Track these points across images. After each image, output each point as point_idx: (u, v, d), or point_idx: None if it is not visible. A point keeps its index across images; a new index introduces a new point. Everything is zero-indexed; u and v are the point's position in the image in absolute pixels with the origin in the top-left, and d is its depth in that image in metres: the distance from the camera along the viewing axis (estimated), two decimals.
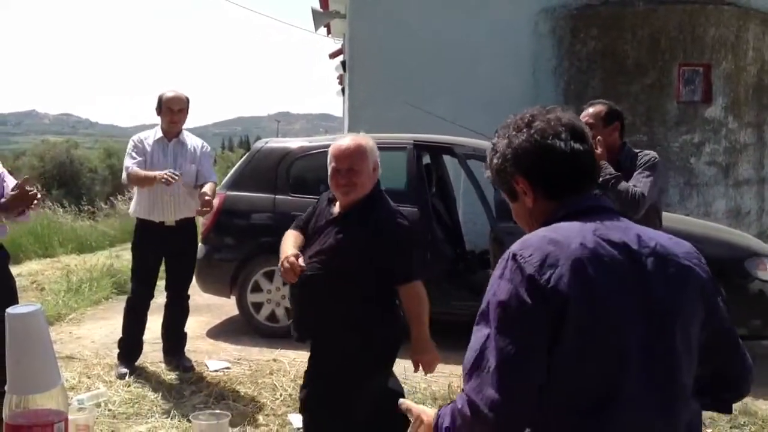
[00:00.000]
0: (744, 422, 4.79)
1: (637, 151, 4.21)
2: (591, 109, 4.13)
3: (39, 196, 3.81)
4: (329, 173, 3.13)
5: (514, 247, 1.58)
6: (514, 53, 9.46)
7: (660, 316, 1.54)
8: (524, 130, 1.69)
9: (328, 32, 16.86)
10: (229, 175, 7.15)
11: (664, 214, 7.22)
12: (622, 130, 4.19)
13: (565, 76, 9.35)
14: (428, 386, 5.06)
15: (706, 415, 4.83)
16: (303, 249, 3.17)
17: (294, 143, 7.04)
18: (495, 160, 1.75)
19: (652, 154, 4.20)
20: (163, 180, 4.91)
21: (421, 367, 3.19)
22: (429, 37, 9.61)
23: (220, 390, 5.12)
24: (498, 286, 1.55)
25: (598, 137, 3.87)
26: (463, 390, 1.57)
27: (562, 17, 9.42)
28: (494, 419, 1.49)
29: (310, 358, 3.35)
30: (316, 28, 14.29)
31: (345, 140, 3.16)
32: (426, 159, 7.57)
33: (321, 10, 13.66)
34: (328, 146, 6.63)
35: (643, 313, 1.53)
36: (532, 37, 9.58)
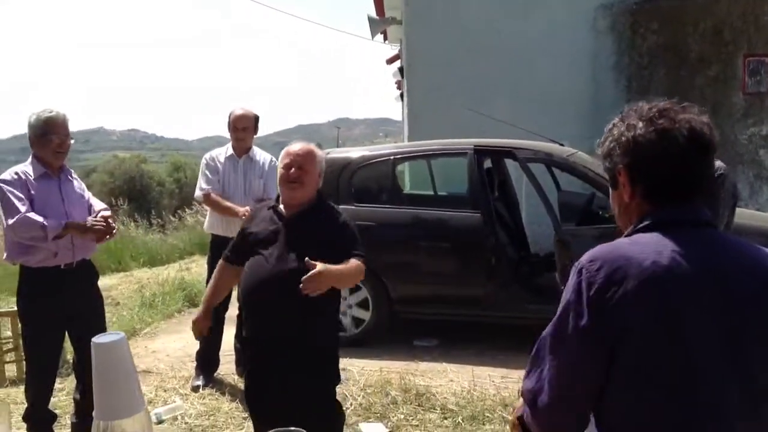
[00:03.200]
0: None
1: None
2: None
3: (115, 230, 4.25)
4: (278, 174, 3.38)
5: (585, 257, 1.55)
6: (572, 51, 9.35)
7: (739, 338, 1.47)
8: (646, 122, 1.60)
9: (385, 38, 16.93)
10: None
11: (745, 210, 7.07)
12: None
13: (626, 73, 9.21)
14: (497, 392, 5.06)
15: None
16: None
17: (355, 153, 7.12)
18: (607, 143, 1.68)
19: (719, 165, 4.03)
20: (244, 217, 5.05)
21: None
22: (486, 40, 9.57)
23: None
24: (564, 295, 1.56)
25: None
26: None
27: (620, 13, 9.28)
28: (541, 422, 1.60)
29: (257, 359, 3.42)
30: (373, 36, 14.34)
31: (297, 145, 3.42)
32: (488, 163, 7.56)
33: (377, 17, 13.73)
34: (388, 155, 6.83)
35: (719, 333, 1.47)
36: (590, 34, 9.45)
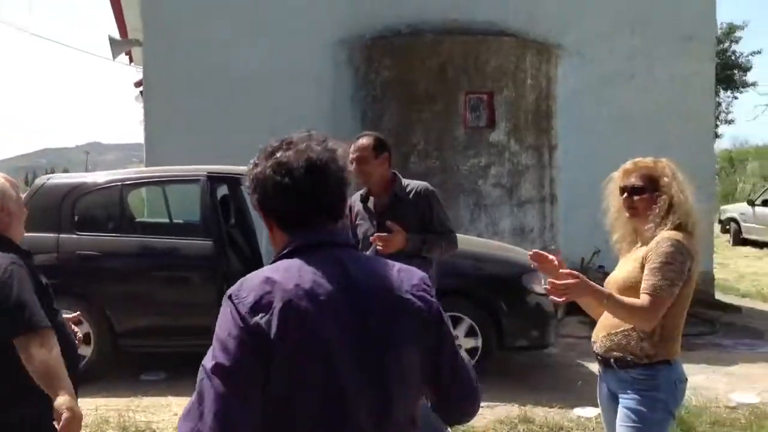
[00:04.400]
0: (523, 430, 5.12)
1: (408, 182, 4.31)
2: (360, 141, 4.16)
3: None
4: None
5: (234, 287, 1.61)
6: (315, 82, 9.63)
7: (373, 349, 1.60)
8: (266, 157, 1.69)
9: (130, 60, 16.39)
10: None
11: (460, 236, 7.65)
12: (390, 160, 4.30)
13: (362, 105, 9.64)
14: None
15: (488, 424, 5.15)
16: None
17: (78, 179, 6.79)
18: (247, 184, 1.76)
19: (425, 185, 4.32)
20: None
21: None
22: (229, 66, 9.56)
23: None
24: (217, 324, 1.59)
25: (388, 222, 3.97)
26: None
27: (357, 47, 9.71)
28: None
29: None
30: (114, 57, 13.85)
31: None
32: (224, 190, 7.54)
33: (119, 38, 13.26)
34: (115, 181, 6.57)
35: (357, 347, 1.58)
36: (331, 67, 9.80)
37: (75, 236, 6.19)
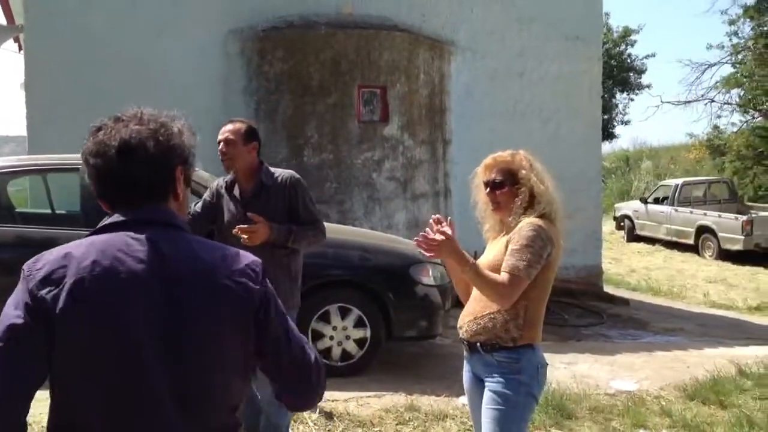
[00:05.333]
0: (409, 418, 5.13)
1: (274, 170, 4.20)
2: (230, 126, 4.05)
3: None
4: None
5: (31, 260, 1.56)
6: (205, 73, 9.43)
7: (180, 334, 1.54)
8: (90, 137, 1.67)
9: (20, 48, 15.65)
10: None
11: (346, 227, 7.65)
12: (260, 149, 4.17)
13: (255, 97, 9.49)
14: None
15: (375, 413, 5.15)
16: None
17: None
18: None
19: (290, 173, 4.14)
20: None
21: None
22: (116, 54, 9.23)
23: None
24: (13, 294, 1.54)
25: (249, 214, 3.87)
26: None
27: (249, 38, 9.55)
28: None
29: None
30: (0, 44, 13.15)
31: None
32: None
33: (5, 24, 12.63)
34: None
35: (160, 332, 1.53)
36: (222, 57, 9.61)
37: None
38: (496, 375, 3.00)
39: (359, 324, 6.05)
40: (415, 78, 9.55)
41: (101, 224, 1.64)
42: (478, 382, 3.12)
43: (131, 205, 1.64)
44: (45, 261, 1.55)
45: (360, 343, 6.02)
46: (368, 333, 6.03)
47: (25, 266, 1.55)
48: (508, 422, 2.95)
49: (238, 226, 3.80)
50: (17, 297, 1.52)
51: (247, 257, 1.69)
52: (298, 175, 4.17)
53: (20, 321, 1.48)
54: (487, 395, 3.02)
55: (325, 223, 4.30)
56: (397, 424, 5.02)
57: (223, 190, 4.18)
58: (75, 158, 6.59)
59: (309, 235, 4.10)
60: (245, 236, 3.74)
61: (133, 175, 1.63)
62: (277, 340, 1.69)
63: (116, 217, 1.64)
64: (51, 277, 1.51)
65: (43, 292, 1.49)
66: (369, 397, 5.41)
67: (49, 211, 7.86)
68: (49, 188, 7.64)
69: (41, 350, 1.48)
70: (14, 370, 1.47)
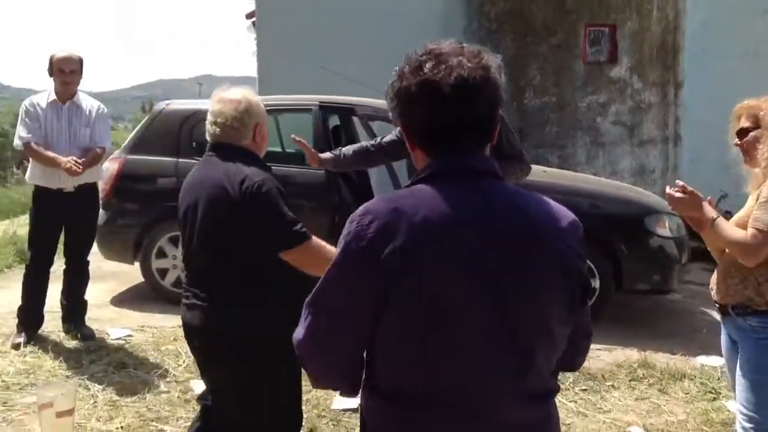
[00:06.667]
0: (643, 374, 4.93)
1: None
2: None
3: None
4: None
5: (359, 210, 1.51)
6: (424, 14, 9.38)
7: (508, 297, 1.46)
8: (412, 71, 1.51)
9: None
10: (128, 138, 6.92)
11: (571, 173, 7.38)
12: None
13: (476, 37, 9.28)
14: None
15: (606, 367, 4.98)
16: None
17: (197, 105, 6.85)
18: (388, 99, 1.60)
19: None
20: (67, 168, 4.89)
21: None
22: None
23: (121, 358, 5.02)
24: (339, 246, 1.51)
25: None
26: None
27: None
28: (300, 359, 1.59)
29: None
30: None
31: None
32: (335, 121, 7.47)
33: None
34: None
35: (488, 294, 1.44)
36: None
37: (194, 161, 6.27)
38: (749, 340, 2.83)
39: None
40: (647, 14, 8.91)
41: (426, 172, 1.54)
42: (734, 345, 2.97)
43: (454, 149, 1.53)
44: (373, 214, 1.47)
45: None
46: (596, 283, 5.81)
47: (353, 218, 1.50)
48: (763, 391, 2.78)
49: None
50: (347, 247, 1.49)
51: (567, 216, 1.57)
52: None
53: (357, 269, 1.47)
54: (741, 361, 2.87)
55: (548, 168, 4.15)
56: (630, 380, 4.83)
57: None
58: (306, 99, 6.83)
59: (516, 170, 4.02)
60: None
61: (471, 115, 1.51)
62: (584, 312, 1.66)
63: (441, 164, 1.53)
64: (384, 232, 1.44)
65: (378, 247, 1.44)
66: (599, 349, 5.24)
67: (279, 149, 8.25)
68: (279, 128, 8.01)
69: (369, 302, 1.47)
70: (347, 308, 1.51)
